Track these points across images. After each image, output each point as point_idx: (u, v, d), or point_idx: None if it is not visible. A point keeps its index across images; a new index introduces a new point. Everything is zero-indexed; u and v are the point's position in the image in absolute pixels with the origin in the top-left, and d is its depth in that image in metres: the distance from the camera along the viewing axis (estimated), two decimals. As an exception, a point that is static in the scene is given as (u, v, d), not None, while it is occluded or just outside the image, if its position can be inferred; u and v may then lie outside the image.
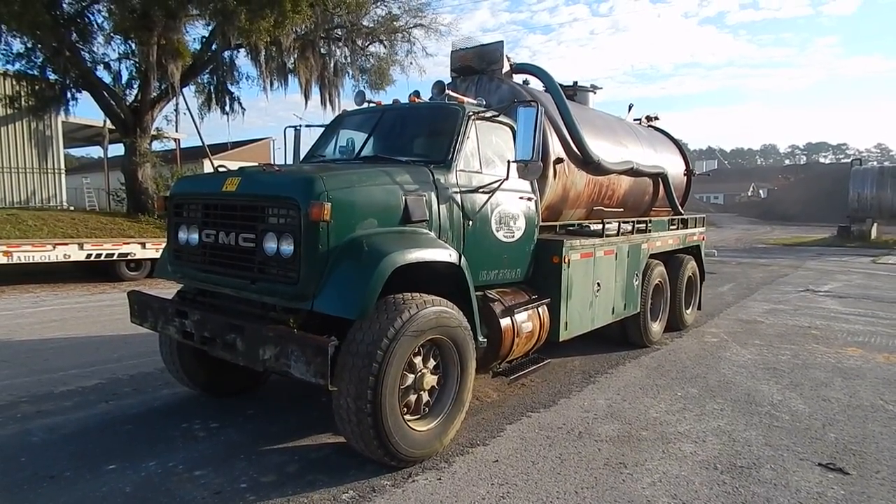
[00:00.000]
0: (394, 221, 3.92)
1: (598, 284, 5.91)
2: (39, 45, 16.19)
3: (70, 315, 8.86)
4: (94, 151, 32.61)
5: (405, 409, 3.73)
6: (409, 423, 3.70)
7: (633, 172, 6.96)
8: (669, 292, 7.62)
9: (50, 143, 20.56)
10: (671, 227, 7.83)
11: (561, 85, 7.31)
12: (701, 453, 4.06)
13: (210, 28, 17.34)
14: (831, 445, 4.23)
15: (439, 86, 5.30)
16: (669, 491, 3.51)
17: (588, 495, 3.44)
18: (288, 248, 3.52)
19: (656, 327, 7.35)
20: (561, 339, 5.38)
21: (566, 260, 5.30)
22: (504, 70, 6.02)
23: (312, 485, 3.49)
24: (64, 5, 16.40)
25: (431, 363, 3.92)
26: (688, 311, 8.27)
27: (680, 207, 8.42)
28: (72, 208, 20.85)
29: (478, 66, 6.12)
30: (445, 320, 3.81)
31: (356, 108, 5.65)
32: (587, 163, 6.00)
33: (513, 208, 4.96)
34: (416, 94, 5.33)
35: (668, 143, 8.84)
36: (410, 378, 3.73)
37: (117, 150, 22.65)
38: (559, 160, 5.67)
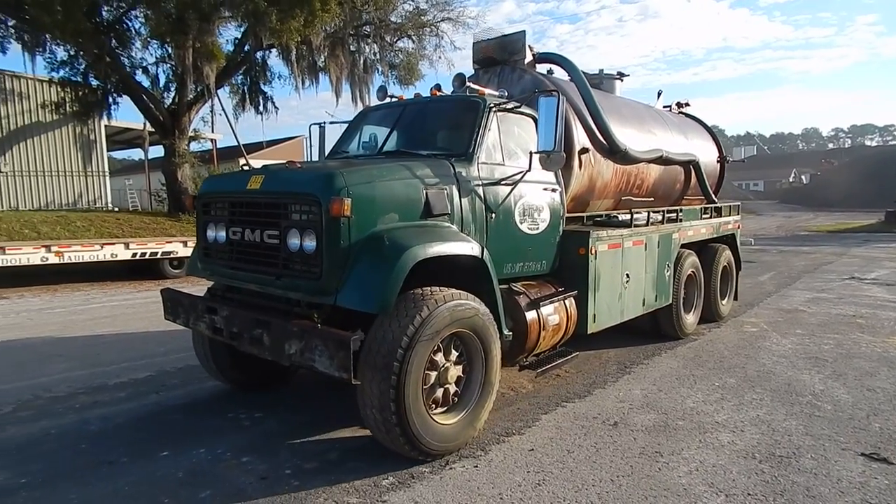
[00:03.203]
0: (415, 215, 3.93)
1: (627, 276, 5.81)
2: (81, 53, 16.81)
3: (119, 311, 9.25)
4: (136, 154, 33.63)
5: (433, 405, 3.77)
6: (434, 417, 3.71)
7: (663, 160, 6.80)
8: (703, 283, 7.46)
9: (94, 147, 21.32)
10: (704, 216, 7.65)
11: (586, 73, 7.20)
12: (739, 443, 4.04)
13: (242, 29, 17.71)
14: (875, 435, 4.15)
15: (460, 78, 5.25)
16: (706, 479, 3.51)
17: (624, 483, 3.47)
18: (310, 243, 3.57)
19: (690, 319, 7.20)
20: (589, 332, 5.31)
21: (593, 251, 5.22)
22: (527, 60, 5.96)
23: (354, 471, 3.60)
24: (103, 12, 16.96)
25: (454, 354, 3.91)
26: (723, 302, 8.08)
27: (713, 195, 8.23)
28: (116, 209, 21.59)
29: (500, 57, 6.07)
30: (467, 313, 3.79)
31: (378, 103, 5.67)
32: (614, 152, 5.89)
33: (537, 200, 4.90)
34: (438, 87, 5.34)
35: (700, 130, 8.64)
36: (434, 375, 3.73)
37: (157, 151, 23.35)
38: (584, 150, 5.59)
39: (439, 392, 3.82)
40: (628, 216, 5.98)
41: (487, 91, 5.08)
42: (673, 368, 5.82)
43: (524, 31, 6.04)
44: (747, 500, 3.28)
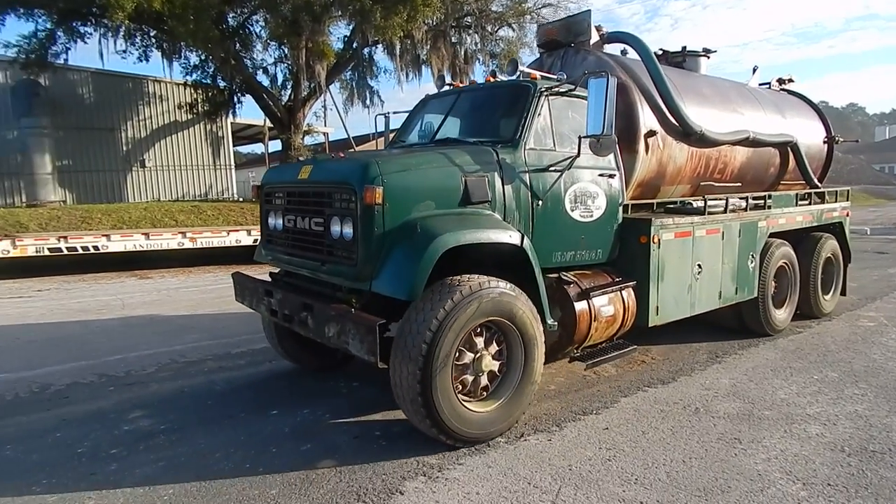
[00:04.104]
0: (453, 203, 3.92)
1: (699, 266, 5.47)
2: (210, 57, 18.55)
3: (241, 291, 10.28)
4: (258, 148, 36.41)
5: (468, 392, 3.79)
6: (466, 404, 3.72)
7: (751, 142, 6.31)
8: (800, 276, 6.89)
9: (221, 143, 23.39)
10: (801, 202, 7.00)
11: (668, 52, 6.79)
12: (828, 435, 3.91)
13: (350, 28, 18.68)
14: None
15: (513, 63, 5.09)
16: (784, 468, 3.47)
17: (695, 465, 3.51)
18: (349, 231, 3.71)
19: (781, 314, 6.61)
20: (651, 325, 5.08)
21: (655, 240, 4.98)
22: (592, 41, 5.75)
23: (434, 439, 3.91)
24: (229, 19, 18.60)
25: (494, 348, 3.89)
26: (826, 297, 7.37)
27: (815, 179, 7.48)
28: (241, 199, 23.61)
29: (564, 39, 5.88)
30: (503, 302, 3.73)
31: (437, 91, 5.66)
32: (688, 134, 5.57)
33: (591, 186, 4.70)
34: (493, 73, 5.27)
35: (803, 108, 7.93)
36: (469, 356, 3.74)
37: (276, 146, 25.19)
38: (651, 133, 5.31)
39: (474, 379, 3.82)
40: (703, 203, 5.64)
41: (541, 75, 4.93)
42: (769, 360, 5.62)
43: (589, 11, 5.87)
44: (826, 490, 3.22)
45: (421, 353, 3.44)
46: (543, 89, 4.58)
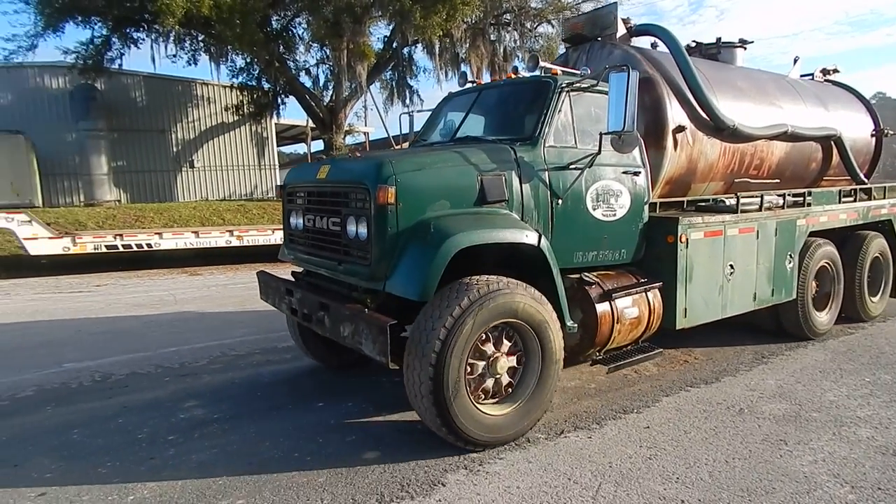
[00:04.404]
0: (468, 202, 3.87)
1: (732, 266, 5.24)
2: (255, 60, 19.08)
3: (285, 288, 10.57)
4: (300, 148, 37.14)
5: (483, 395, 3.73)
6: (480, 407, 3.66)
7: (789, 137, 6.06)
8: (844, 276, 6.57)
9: (266, 143, 24.01)
10: (846, 199, 6.68)
11: (702, 43, 6.59)
12: (879, 439, 3.81)
13: (390, 28, 18.91)
14: None
15: (533, 59, 4.96)
16: (832, 470, 3.41)
17: (738, 465, 3.48)
18: (363, 230, 3.70)
19: (823, 318, 6.30)
20: (678, 328, 4.89)
21: (682, 239, 4.79)
22: (619, 34, 5.60)
23: (476, 432, 4.01)
24: (272, 22, 19.09)
25: (506, 345, 3.80)
26: (873, 300, 6.99)
27: (861, 175, 7.16)
28: (283, 198, 24.21)
29: (590, 33, 5.75)
30: (517, 303, 3.66)
31: (459, 89, 5.58)
32: (720, 129, 5.38)
33: (613, 184, 4.56)
34: (515, 70, 5.13)
35: (849, 100, 7.60)
36: (481, 364, 3.68)
37: (318, 146, 25.69)
38: (680, 128, 5.14)
39: (489, 382, 3.75)
40: (735, 200, 5.40)
41: (563, 70, 4.83)
42: (818, 361, 5.48)
43: (615, 4, 5.73)
44: (876, 494, 3.15)
45: (434, 351, 3.41)
46: (564, 85, 4.47)
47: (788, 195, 5.95)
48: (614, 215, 4.61)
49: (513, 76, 5.10)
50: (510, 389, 3.86)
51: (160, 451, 3.84)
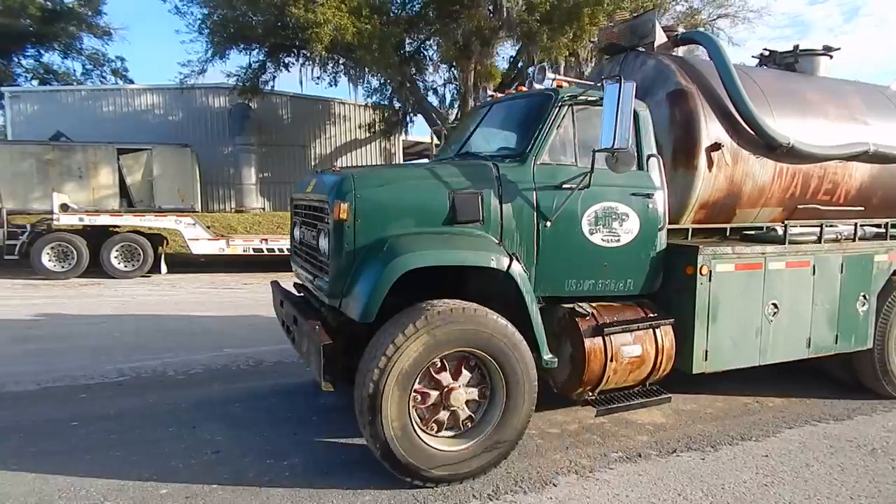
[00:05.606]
0: (436, 222, 3.67)
1: (775, 306, 4.59)
2: (388, 81, 20.37)
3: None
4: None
5: (437, 426, 3.55)
6: (431, 442, 3.47)
7: (872, 157, 5.28)
8: None
9: (393, 159, 25.45)
10: None
11: (776, 52, 6.03)
12: None
13: (516, 48, 19.36)
14: None
15: (541, 70, 4.61)
16: (975, 521, 3.20)
17: (864, 503, 3.37)
18: (325, 246, 3.69)
19: None
20: (695, 371, 4.31)
21: (703, 271, 4.24)
22: (658, 43, 5.21)
23: (589, 443, 4.19)
24: (406, 45, 20.31)
25: (466, 376, 3.58)
26: None
27: None
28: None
29: (627, 43, 5.42)
30: (476, 332, 3.43)
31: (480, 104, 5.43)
32: (772, 147, 4.81)
33: (619, 206, 4.10)
34: (529, 82, 4.89)
35: None
36: (434, 395, 3.49)
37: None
38: (716, 146, 4.63)
39: (443, 415, 3.54)
40: (783, 229, 4.76)
41: (573, 82, 4.54)
42: (974, 410, 5.00)
43: (654, 11, 5.42)
44: None
45: (371, 382, 3.26)
46: (566, 98, 4.13)
47: (861, 225, 5.20)
48: (618, 241, 4.15)
49: (522, 89, 4.79)
50: (469, 424, 3.63)
51: (303, 428, 4.43)
